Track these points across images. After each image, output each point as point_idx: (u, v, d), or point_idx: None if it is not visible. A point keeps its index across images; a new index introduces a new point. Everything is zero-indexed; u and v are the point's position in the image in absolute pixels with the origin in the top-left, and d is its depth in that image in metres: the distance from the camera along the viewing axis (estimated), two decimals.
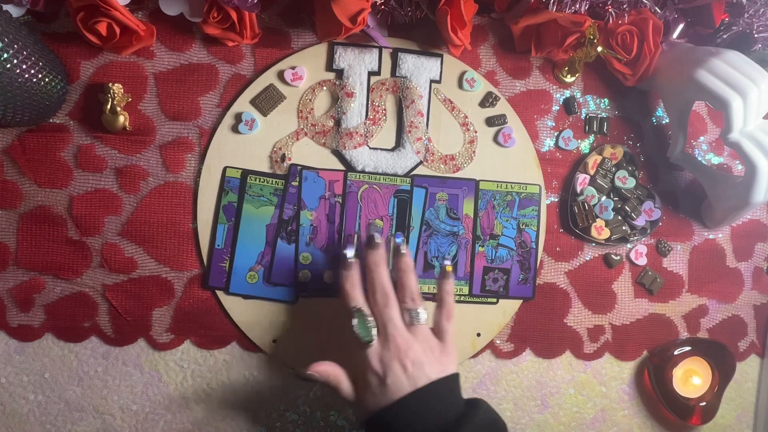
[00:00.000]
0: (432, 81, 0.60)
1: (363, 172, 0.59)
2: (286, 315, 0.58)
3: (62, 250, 0.57)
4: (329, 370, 0.51)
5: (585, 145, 0.62)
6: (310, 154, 0.59)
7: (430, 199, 0.59)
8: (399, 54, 0.60)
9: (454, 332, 0.53)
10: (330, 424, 0.59)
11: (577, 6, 0.56)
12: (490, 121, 0.61)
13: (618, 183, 0.61)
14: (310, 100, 0.59)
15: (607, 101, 0.63)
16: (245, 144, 0.58)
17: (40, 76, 0.51)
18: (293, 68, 0.58)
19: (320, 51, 0.59)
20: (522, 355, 0.61)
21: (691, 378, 0.61)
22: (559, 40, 0.57)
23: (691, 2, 0.56)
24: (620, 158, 0.61)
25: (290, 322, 0.58)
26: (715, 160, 0.65)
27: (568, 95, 0.62)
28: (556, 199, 0.62)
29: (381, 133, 0.60)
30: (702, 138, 0.64)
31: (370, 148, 0.59)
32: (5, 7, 0.54)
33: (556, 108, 0.62)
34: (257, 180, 0.58)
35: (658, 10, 0.57)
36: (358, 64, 0.59)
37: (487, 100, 0.60)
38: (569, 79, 0.61)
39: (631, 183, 0.61)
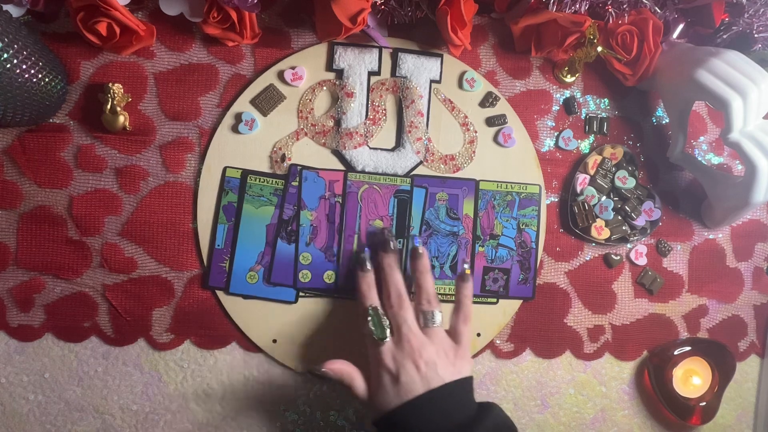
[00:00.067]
0: (432, 81, 0.60)
1: (363, 172, 0.59)
2: (286, 315, 0.58)
3: (62, 250, 0.57)
4: (343, 369, 0.51)
5: (585, 145, 0.62)
6: (310, 154, 0.59)
7: (430, 199, 0.59)
8: (399, 54, 0.60)
9: (470, 336, 0.54)
10: (330, 424, 0.59)
11: (577, 6, 0.55)
12: (490, 121, 0.61)
13: (618, 183, 0.61)
14: (310, 100, 0.59)
15: (607, 101, 0.63)
16: (245, 144, 0.58)
17: (40, 76, 0.51)
18: (293, 68, 0.58)
19: (320, 51, 0.59)
20: (522, 355, 0.61)
21: (691, 378, 0.61)
22: (559, 40, 0.57)
23: (691, 2, 0.56)
24: (620, 158, 0.61)
25: (290, 322, 0.58)
26: (715, 160, 0.65)
27: (568, 95, 0.62)
28: (556, 199, 0.62)
29: (381, 133, 0.60)
30: (702, 138, 0.64)
31: (370, 148, 0.59)
32: (5, 7, 0.54)
33: (556, 108, 0.62)
34: (257, 180, 0.58)
35: (658, 10, 0.57)
36: (358, 64, 0.59)
37: (487, 100, 0.60)
38: (569, 79, 0.61)
39: (631, 183, 0.61)
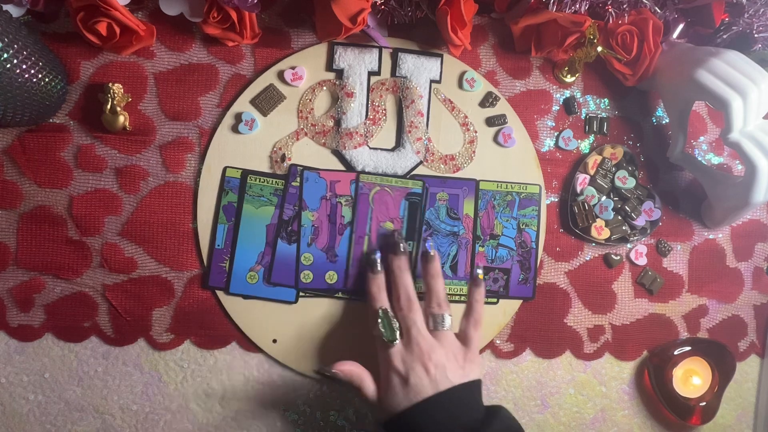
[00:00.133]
0: (432, 81, 0.60)
1: (363, 172, 0.59)
2: (286, 315, 0.58)
3: (62, 250, 0.57)
4: (353, 370, 0.52)
5: (585, 145, 0.62)
6: (310, 154, 0.59)
7: (431, 199, 0.59)
8: (399, 54, 0.60)
9: (480, 340, 0.54)
10: (330, 424, 0.59)
11: (577, 6, 0.56)
12: (490, 121, 0.61)
13: (618, 183, 0.61)
14: (310, 100, 0.59)
15: (607, 101, 0.63)
16: (245, 144, 0.58)
17: (40, 76, 0.51)
18: (293, 68, 0.58)
19: (320, 51, 0.59)
20: (522, 355, 0.61)
21: (691, 378, 0.61)
22: (559, 40, 0.57)
23: (691, 2, 0.56)
24: (620, 158, 0.61)
25: (290, 322, 0.58)
26: (715, 160, 0.65)
27: (568, 95, 0.62)
28: (556, 199, 0.62)
29: (381, 133, 0.60)
30: (702, 138, 0.64)
31: (370, 148, 0.59)
32: (5, 7, 0.54)
33: (556, 108, 0.62)
34: (257, 180, 0.58)
35: (658, 10, 0.57)
36: (358, 64, 0.59)
37: (487, 100, 0.60)
38: (569, 79, 0.61)
39: (631, 183, 0.61)
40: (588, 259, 0.62)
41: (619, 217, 0.61)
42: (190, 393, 0.58)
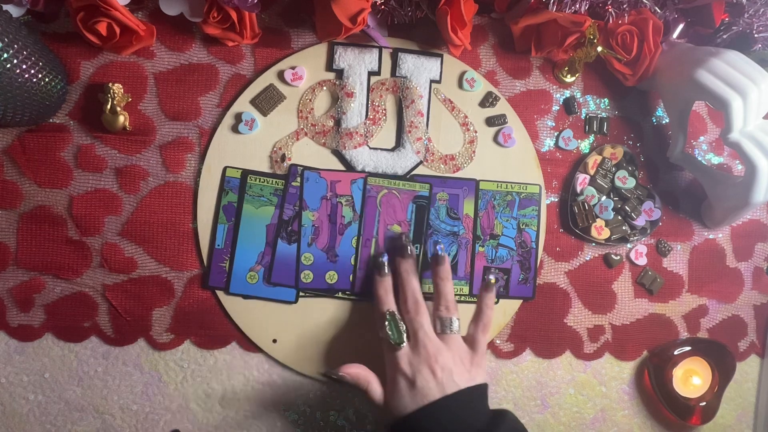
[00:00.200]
0: (432, 81, 0.60)
1: (363, 172, 0.59)
2: (286, 315, 0.58)
3: (62, 250, 0.57)
4: (360, 373, 0.52)
5: (585, 145, 0.62)
6: (310, 154, 0.59)
7: (431, 199, 0.59)
8: (399, 54, 0.60)
9: (487, 344, 0.54)
10: (330, 424, 0.59)
11: (577, 6, 0.56)
12: (490, 121, 0.61)
13: (618, 183, 0.61)
14: (310, 100, 0.59)
15: (607, 101, 0.63)
16: (245, 144, 0.58)
17: (40, 76, 0.51)
18: (293, 68, 0.58)
19: (320, 51, 0.59)
20: (522, 355, 0.61)
21: (691, 378, 0.61)
22: (559, 40, 0.57)
23: (691, 2, 0.56)
24: (620, 158, 0.61)
25: (290, 322, 0.58)
26: (715, 160, 0.65)
27: (568, 95, 0.62)
28: (556, 199, 0.62)
29: (381, 133, 0.60)
30: (702, 138, 0.64)
31: (370, 148, 0.59)
32: (5, 7, 0.54)
33: (556, 108, 0.62)
34: (257, 180, 0.58)
35: (658, 10, 0.57)
36: (358, 64, 0.59)
37: (487, 100, 0.60)
38: (569, 79, 0.61)
39: (631, 183, 0.61)
40: (588, 259, 0.62)
41: (619, 217, 0.61)
42: (190, 393, 0.58)
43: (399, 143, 0.60)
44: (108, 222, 0.57)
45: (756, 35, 0.58)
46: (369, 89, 0.59)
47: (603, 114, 0.63)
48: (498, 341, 0.61)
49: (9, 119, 0.52)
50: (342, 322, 0.58)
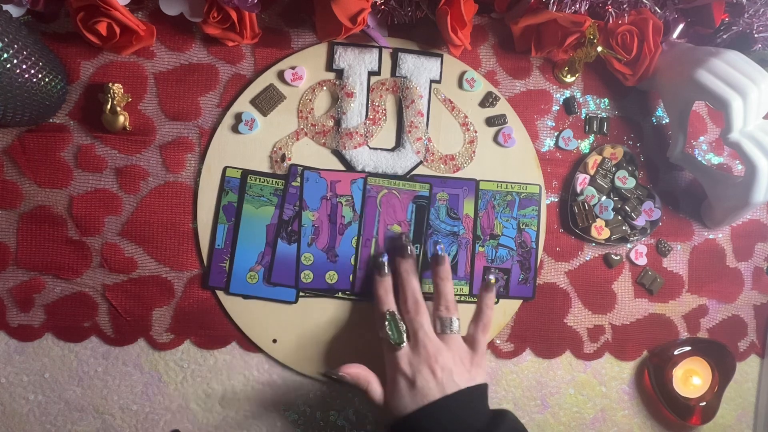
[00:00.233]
0: (432, 81, 0.60)
1: (363, 172, 0.59)
2: (286, 315, 0.58)
3: (62, 250, 0.57)
4: (360, 373, 0.52)
5: (585, 145, 0.62)
6: (310, 154, 0.59)
7: (431, 199, 0.59)
8: (399, 54, 0.60)
9: (486, 344, 0.54)
10: (330, 424, 0.59)
11: (577, 6, 0.56)
12: (490, 121, 0.61)
13: (618, 183, 0.61)
14: (310, 100, 0.59)
15: (607, 101, 0.63)
16: (245, 144, 0.58)
17: (40, 76, 0.51)
18: (293, 68, 0.58)
19: (320, 51, 0.59)
20: (522, 355, 0.61)
21: (691, 378, 0.61)
22: (559, 40, 0.57)
23: (691, 2, 0.56)
24: (620, 158, 0.61)
25: (290, 322, 0.58)
26: (715, 160, 0.65)
27: (568, 95, 0.62)
28: (556, 199, 0.62)
29: (381, 133, 0.60)
30: (702, 138, 0.64)
31: (370, 148, 0.59)
32: (5, 7, 0.54)
33: (556, 108, 0.62)
34: (257, 180, 0.58)
35: (658, 10, 0.57)
36: (358, 64, 0.59)
37: (487, 100, 0.60)
38: (569, 79, 0.61)
39: (631, 183, 0.61)
40: (588, 259, 0.62)
41: (619, 217, 0.61)
42: (190, 393, 0.58)
43: (399, 143, 0.60)
44: (108, 222, 0.57)
45: (756, 35, 0.58)
46: (369, 89, 0.59)
47: (603, 114, 0.63)
48: (498, 341, 0.61)
49: (9, 119, 0.52)
50: (342, 322, 0.58)
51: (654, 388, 0.61)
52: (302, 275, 0.58)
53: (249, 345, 0.58)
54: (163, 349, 0.58)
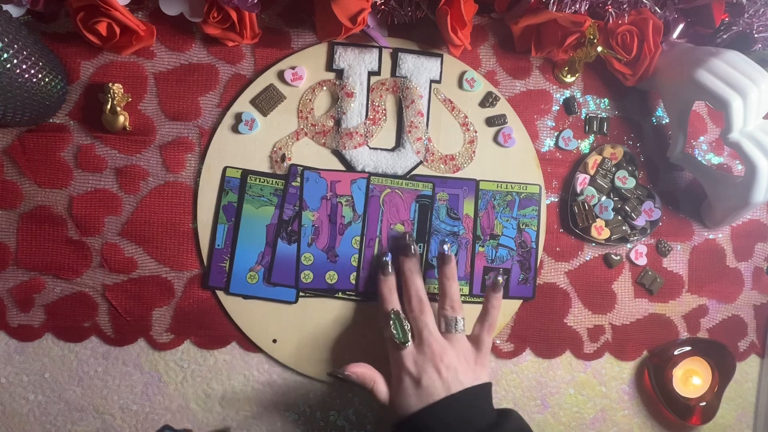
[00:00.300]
0: (432, 81, 0.60)
1: (364, 172, 0.59)
2: (286, 315, 0.58)
3: (62, 250, 0.57)
4: (366, 372, 0.52)
5: (585, 145, 0.62)
6: (310, 154, 0.59)
7: (432, 199, 0.59)
8: (399, 54, 0.60)
9: (491, 344, 0.54)
10: (330, 424, 0.59)
11: (577, 6, 0.55)
12: (490, 121, 0.61)
13: (618, 183, 0.61)
14: (310, 100, 0.59)
15: (607, 101, 0.63)
16: (245, 144, 0.58)
17: (40, 76, 0.51)
18: (293, 68, 0.58)
19: (320, 51, 0.59)
20: (522, 355, 0.61)
21: (691, 378, 0.61)
22: (559, 40, 0.57)
23: (691, 2, 0.56)
24: (620, 158, 0.61)
25: (290, 322, 0.58)
26: (715, 160, 0.65)
27: (568, 95, 0.62)
28: (556, 199, 0.62)
29: (381, 133, 0.60)
30: (702, 138, 0.64)
31: (370, 148, 0.59)
32: (5, 7, 0.54)
33: (556, 108, 0.62)
34: (257, 180, 0.58)
35: (658, 10, 0.57)
36: (358, 64, 0.59)
37: (487, 100, 0.60)
38: (569, 79, 0.61)
39: (631, 183, 0.61)
40: (588, 259, 0.62)
41: (619, 217, 0.61)
42: (190, 393, 0.58)
43: (399, 143, 0.60)
44: (108, 222, 0.57)
45: (756, 35, 0.58)
46: (369, 89, 0.59)
47: (603, 114, 0.63)
48: (498, 341, 0.61)
49: (9, 119, 0.52)
50: (342, 322, 0.58)
51: (654, 388, 0.61)
52: (302, 275, 0.58)
53: (249, 345, 0.58)
54: (163, 349, 0.58)
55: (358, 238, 0.58)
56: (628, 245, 0.62)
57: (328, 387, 0.59)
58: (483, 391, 0.50)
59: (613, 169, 0.61)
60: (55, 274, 0.57)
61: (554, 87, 0.62)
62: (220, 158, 0.58)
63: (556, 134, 0.62)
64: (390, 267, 0.55)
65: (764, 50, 0.59)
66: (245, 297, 0.57)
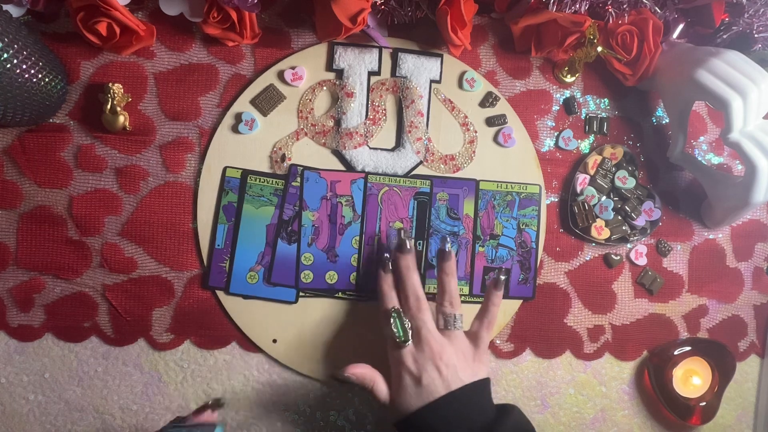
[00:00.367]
0: (432, 81, 0.60)
1: (364, 172, 0.59)
2: (286, 315, 0.58)
3: (62, 250, 0.57)
4: (366, 373, 0.52)
5: (585, 145, 0.62)
6: (310, 154, 0.59)
7: (431, 198, 0.59)
8: (399, 54, 0.60)
9: (489, 341, 0.54)
10: (330, 424, 0.59)
11: (577, 6, 0.56)
12: (490, 121, 0.61)
13: (618, 183, 0.61)
14: (310, 100, 0.59)
15: (607, 101, 0.63)
16: (245, 144, 0.58)
17: (40, 76, 0.51)
18: (293, 68, 0.58)
19: (320, 51, 0.59)
20: (522, 355, 0.61)
21: (691, 378, 0.61)
22: (559, 40, 0.57)
23: (691, 2, 0.56)
24: (620, 158, 0.61)
25: (290, 322, 0.58)
26: (715, 160, 0.65)
27: (568, 95, 0.62)
28: (556, 199, 0.62)
29: (381, 133, 0.60)
30: (702, 138, 0.64)
31: (370, 148, 0.59)
32: (5, 7, 0.54)
33: (556, 108, 0.62)
34: (257, 180, 0.58)
35: (658, 10, 0.57)
36: (358, 64, 0.59)
37: (487, 100, 0.60)
38: (569, 79, 0.61)
39: (631, 183, 0.61)
40: (588, 259, 0.62)
41: (619, 217, 0.61)
42: (190, 393, 0.58)
43: (399, 143, 0.60)
44: (108, 222, 0.57)
45: (756, 35, 0.58)
46: (369, 89, 0.59)
47: (603, 114, 0.63)
48: (498, 341, 0.61)
49: (9, 119, 0.52)
50: (342, 322, 0.58)
51: (654, 388, 0.61)
52: (302, 275, 0.58)
53: (249, 345, 0.58)
54: (163, 349, 0.58)
55: (358, 238, 0.58)
56: (628, 245, 0.62)
57: (328, 387, 0.59)
58: (482, 387, 0.50)
59: (613, 169, 0.61)
60: (55, 274, 0.57)
61: (554, 87, 0.62)
62: (220, 158, 0.58)
63: (556, 134, 0.62)
64: (390, 264, 0.55)
65: (764, 50, 0.59)
66: (245, 297, 0.57)
